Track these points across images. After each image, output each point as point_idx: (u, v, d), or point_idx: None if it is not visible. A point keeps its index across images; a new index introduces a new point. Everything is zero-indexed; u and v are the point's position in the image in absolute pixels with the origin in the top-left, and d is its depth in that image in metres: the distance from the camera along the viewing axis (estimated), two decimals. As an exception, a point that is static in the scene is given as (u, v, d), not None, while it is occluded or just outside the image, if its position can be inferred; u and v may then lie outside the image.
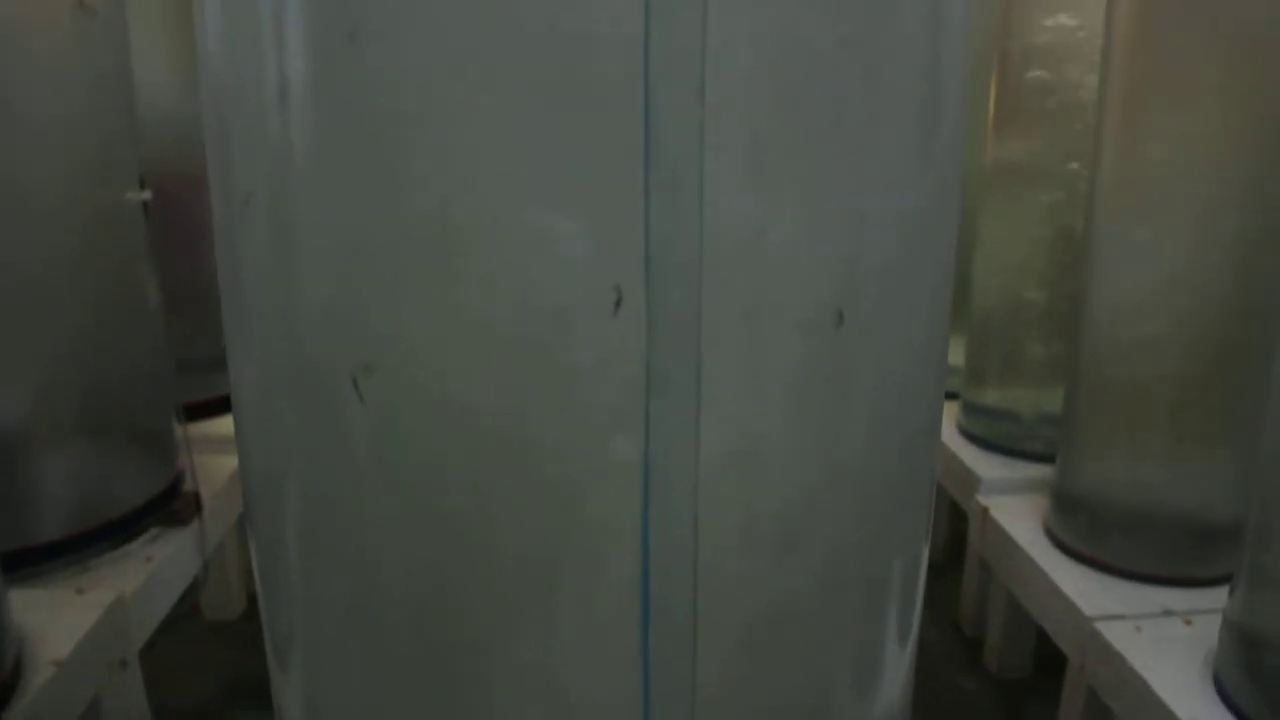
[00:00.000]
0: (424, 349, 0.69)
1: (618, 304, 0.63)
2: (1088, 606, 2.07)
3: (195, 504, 2.33)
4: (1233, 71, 1.95)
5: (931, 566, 0.96)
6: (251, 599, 2.84)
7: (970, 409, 2.97)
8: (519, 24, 0.60)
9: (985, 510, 2.60)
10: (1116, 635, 1.96)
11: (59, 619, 1.87)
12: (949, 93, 0.79)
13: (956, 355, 2.94)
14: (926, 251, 0.78)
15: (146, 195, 2.11)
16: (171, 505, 2.30)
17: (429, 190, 0.65)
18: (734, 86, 0.61)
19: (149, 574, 2.09)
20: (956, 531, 3.03)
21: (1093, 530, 2.25)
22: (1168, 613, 2.04)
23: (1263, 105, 1.93)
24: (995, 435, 2.88)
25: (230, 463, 2.60)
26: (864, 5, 0.68)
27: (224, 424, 2.72)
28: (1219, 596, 1.85)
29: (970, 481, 2.75)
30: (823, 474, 0.74)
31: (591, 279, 0.63)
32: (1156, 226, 2.05)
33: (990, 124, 2.72)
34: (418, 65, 0.63)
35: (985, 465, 2.79)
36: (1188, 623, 1.99)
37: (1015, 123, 2.65)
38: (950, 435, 2.97)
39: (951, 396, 2.95)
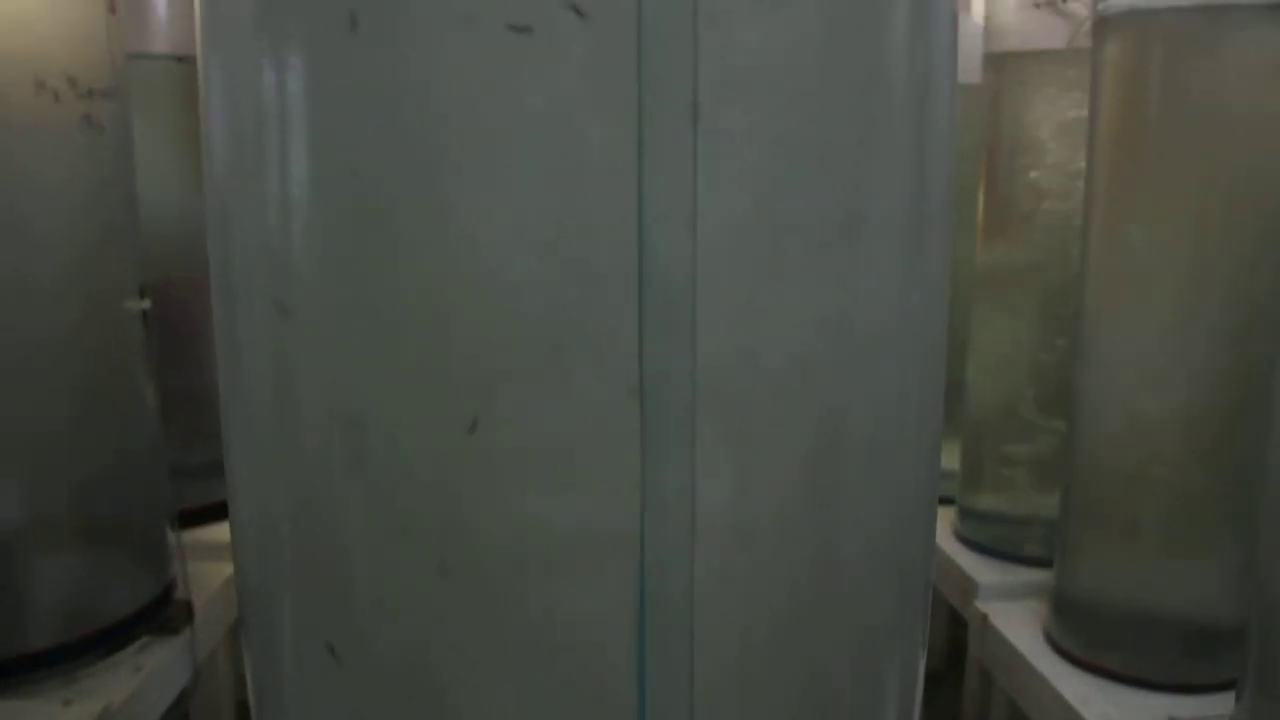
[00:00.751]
0: (428, 469, 0.70)
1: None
2: (1091, 714, 2.03)
3: (187, 612, 2.30)
4: (1216, 163, 2.00)
5: (931, 675, 0.96)
6: (241, 707, 2.79)
7: (966, 514, 2.96)
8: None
9: (984, 616, 2.57)
10: (1120, 744, 1.92)
11: (45, 732, 1.83)
12: (936, 208, 0.81)
13: (951, 459, 2.94)
14: (918, 362, 0.79)
15: (145, 304, 2.13)
16: (163, 614, 2.27)
17: (426, 316, 0.66)
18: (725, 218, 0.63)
19: (138, 684, 2.05)
20: (956, 638, 2.99)
21: (1093, 635, 2.22)
22: (1172, 720, 2.00)
23: (1248, 195, 1.97)
24: (993, 540, 2.86)
25: (222, 570, 2.57)
26: (850, 122, 0.70)
27: (218, 531, 2.70)
28: (1225, 702, 1.82)
29: (968, 587, 2.72)
30: (815, 588, 0.74)
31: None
32: (1144, 320, 2.08)
33: (980, 224, 2.76)
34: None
35: (983, 571, 2.77)
36: (1193, 731, 1.96)
37: (1005, 224, 2.69)
38: (947, 540, 2.95)
39: (947, 501, 2.94)
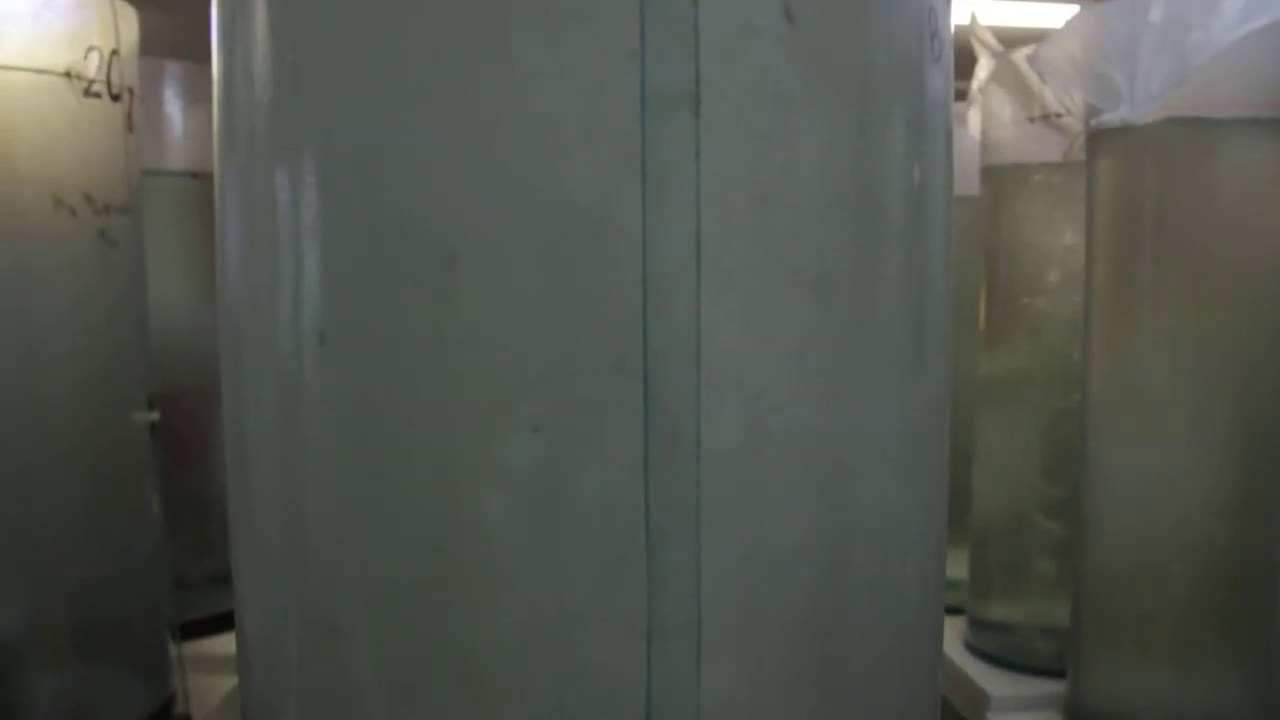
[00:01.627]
0: (433, 594, 0.70)
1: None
2: (1108, 833, 1.98)
3: (186, 727, 2.27)
4: (1213, 273, 2.02)
5: (942, 792, 0.94)
6: (238, 828, 2.72)
7: (976, 624, 2.91)
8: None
9: (997, 729, 2.52)
10: None
11: None
12: (936, 328, 0.82)
13: (960, 569, 2.91)
14: (921, 486, 0.80)
15: (154, 416, 2.15)
16: (162, 728, 2.24)
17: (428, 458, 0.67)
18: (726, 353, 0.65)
19: (134, 803, 2.01)
20: (969, 752, 2.93)
21: (1108, 749, 2.18)
22: (1192, 839, 1.95)
23: (1248, 305, 1.98)
24: (1003, 650, 2.81)
25: (224, 683, 2.54)
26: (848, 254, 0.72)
27: (220, 643, 2.67)
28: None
29: (979, 700, 2.67)
30: (821, 710, 0.74)
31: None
32: (1149, 434, 2.07)
33: (981, 334, 2.78)
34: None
35: (994, 682, 2.72)
36: None
37: (1006, 333, 2.71)
38: (957, 651, 2.91)
39: (957, 611, 2.90)
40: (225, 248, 0.83)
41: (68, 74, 2.05)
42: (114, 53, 2.11)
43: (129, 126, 2.15)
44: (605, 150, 0.62)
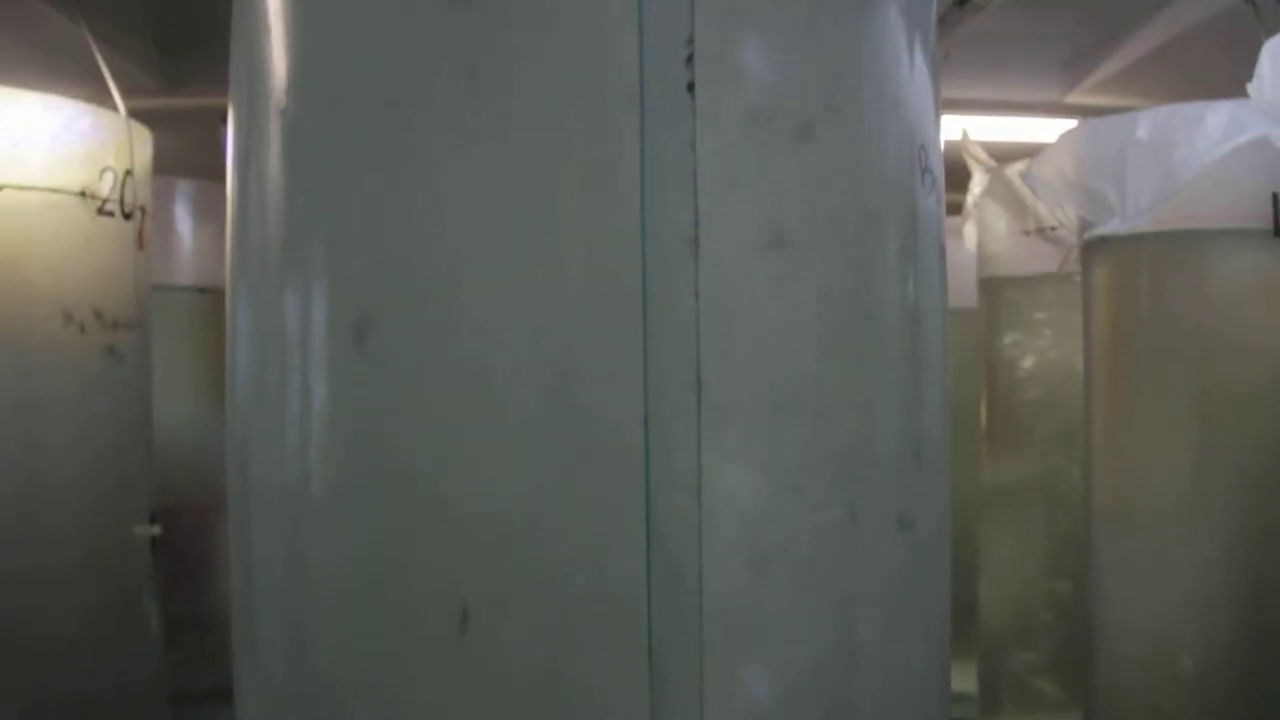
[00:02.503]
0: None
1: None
2: None
3: None
4: (1207, 378, 2.04)
5: None
6: None
7: (986, 737, 2.87)
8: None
9: (1010, 847, 2.46)
10: None
11: None
12: (933, 449, 0.83)
13: (969, 681, 2.87)
14: (921, 609, 0.80)
15: (156, 530, 2.14)
16: None
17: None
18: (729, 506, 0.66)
19: None
20: None
21: None
22: None
23: (1241, 407, 2.00)
24: (1014, 764, 2.77)
25: (219, 802, 2.48)
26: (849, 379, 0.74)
27: (216, 759, 2.63)
28: None
29: (992, 815, 2.62)
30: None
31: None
32: (1151, 534, 2.08)
33: (982, 443, 2.79)
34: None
35: (1006, 797, 2.66)
36: None
37: (1007, 441, 2.72)
38: (969, 766, 2.85)
39: (967, 725, 2.86)
40: (235, 364, 0.85)
41: (82, 193, 2.10)
42: (128, 173, 2.16)
43: (140, 244, 2.19)
44: (608, 290, 0.64)
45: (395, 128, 0.71)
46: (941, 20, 2.62)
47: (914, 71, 0.80)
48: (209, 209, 2.78)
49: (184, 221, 2.79)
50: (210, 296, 2.72)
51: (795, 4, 0.69)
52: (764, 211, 0.69)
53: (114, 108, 2.15)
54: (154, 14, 3.03)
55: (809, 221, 0.72)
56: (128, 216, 2.17)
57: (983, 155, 2.66)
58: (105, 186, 2.12)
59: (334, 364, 0.75)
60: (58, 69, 2.96)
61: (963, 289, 2.92)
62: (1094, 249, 2.23)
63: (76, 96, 2.46)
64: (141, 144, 2.25)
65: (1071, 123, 3.11)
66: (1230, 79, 2.05)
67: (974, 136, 2.72)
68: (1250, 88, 2.04)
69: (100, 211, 2.12)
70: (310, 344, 0.76)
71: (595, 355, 0.65)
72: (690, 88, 0.65)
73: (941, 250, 0.87)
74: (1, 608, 1.96)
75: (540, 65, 0.66)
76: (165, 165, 2.48)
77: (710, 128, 0.65)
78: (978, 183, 2.69)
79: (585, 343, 0.65)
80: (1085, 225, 2.18)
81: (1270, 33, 2.23)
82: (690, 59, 0.65)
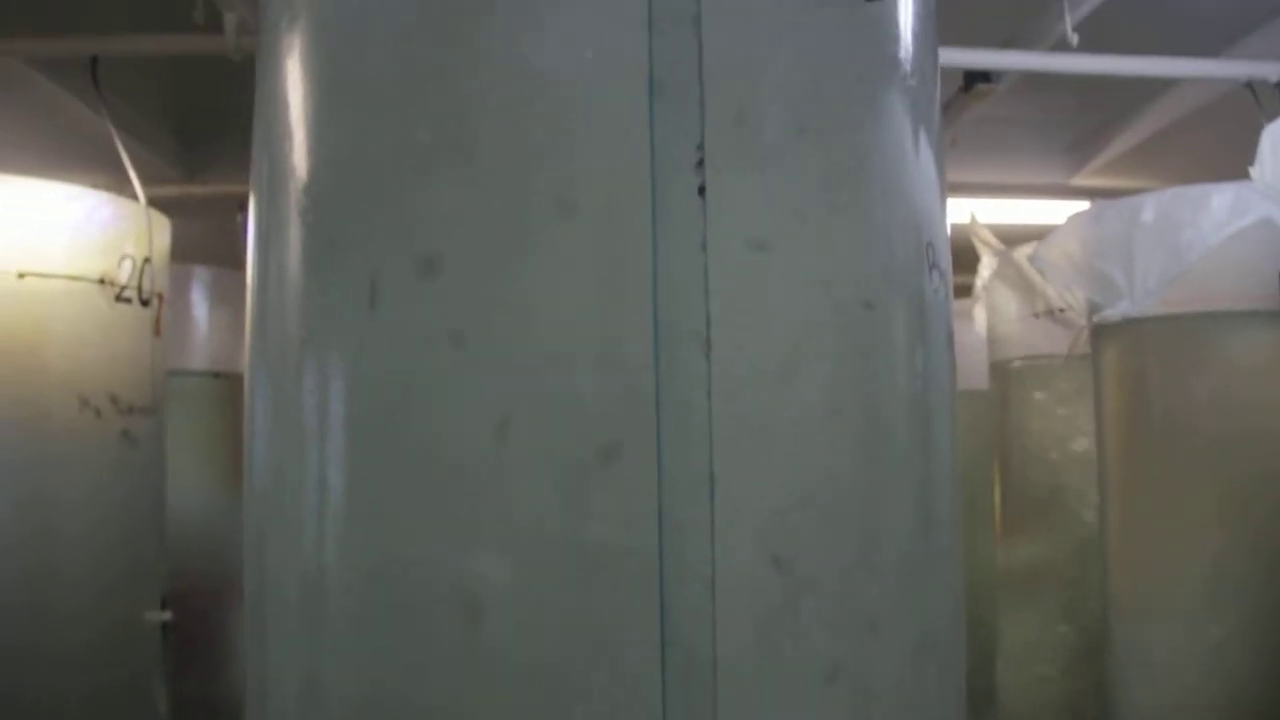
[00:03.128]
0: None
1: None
2: None
3: None
4: (1217, 458, 2.04)
5: None
6: None
7: (1007, 826, 2.81)
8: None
9: None
10: None
11: None
12: (943, 536, 0.83)
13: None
14: (934, 699, 0.80)
15: (166, 616, 2.14)
16: None
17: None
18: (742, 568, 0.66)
19: None
20: None
21: None
22: None
23: (1253, 486, 2.00)
24: None
25: None
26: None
27: None
28: None
29: None
30: None
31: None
32: (1170, 610, 2.06)
33: (997, 528, 2.77)
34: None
35: None
36: None
37: (1022, 523, 2.70)
38: None
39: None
40: (253, 453, 0.85)
41: (101, 280, 2.14)
42: (146, 260, 2.20)
43: (156, 330, 2.22)
44: (620, 387, 0.65)
45: (413, 223, 0.73)
46: (947, 107, 2.67)
47: (920, 168, 0.82)
48: (224, 295, 2.82)
49: (200, 307, 2.83)
50: (225, 381, 2.74)
51: (803, 107, 0.71)
52: (774, 308, 0.70)
53: (134, 195, 2.19)
54: (174, 104, 3.10)
55: (819, 317, 0.73)
56: (145, 303, 2.20)
57: (991, 239, 2.68)
58: (124, 274, 2.15)
59: (351, 456, 0.76)
60: (80, 156, 3.02)
61: (974, 371, 2.93)
62: (1104, 332, 2.24)
63: (97, 182, 2.51)
64: (160, 232, 2.29)
65: (1078, 205, 3.15)
66: (1232, 160, 2.08)
67: (982, 219, 2.75)
68: (1252, 171, 2.07)
69: (118, 298, 2.15)
70: (328, 435, 0.77)
71: (609, 451, 0.66)
72: (701, 190, 0.67)
73: (950, 344, 0.88)
74: (12, 690, 1.95)
75: (555, 167, 0.68)
76: (182, 252, 2.52)
77: (721, 229, 0.67)
78: (987, 266, 2.71)
79: (599, 437, 0.66)
80: (1094, 308, 2.20)
81: (1269, 116, 2.27)
82: (701, 163, 0.67)
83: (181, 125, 3.17)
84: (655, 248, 0.66)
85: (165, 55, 2.59)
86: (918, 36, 0.82)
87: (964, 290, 2.92)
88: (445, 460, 0.68)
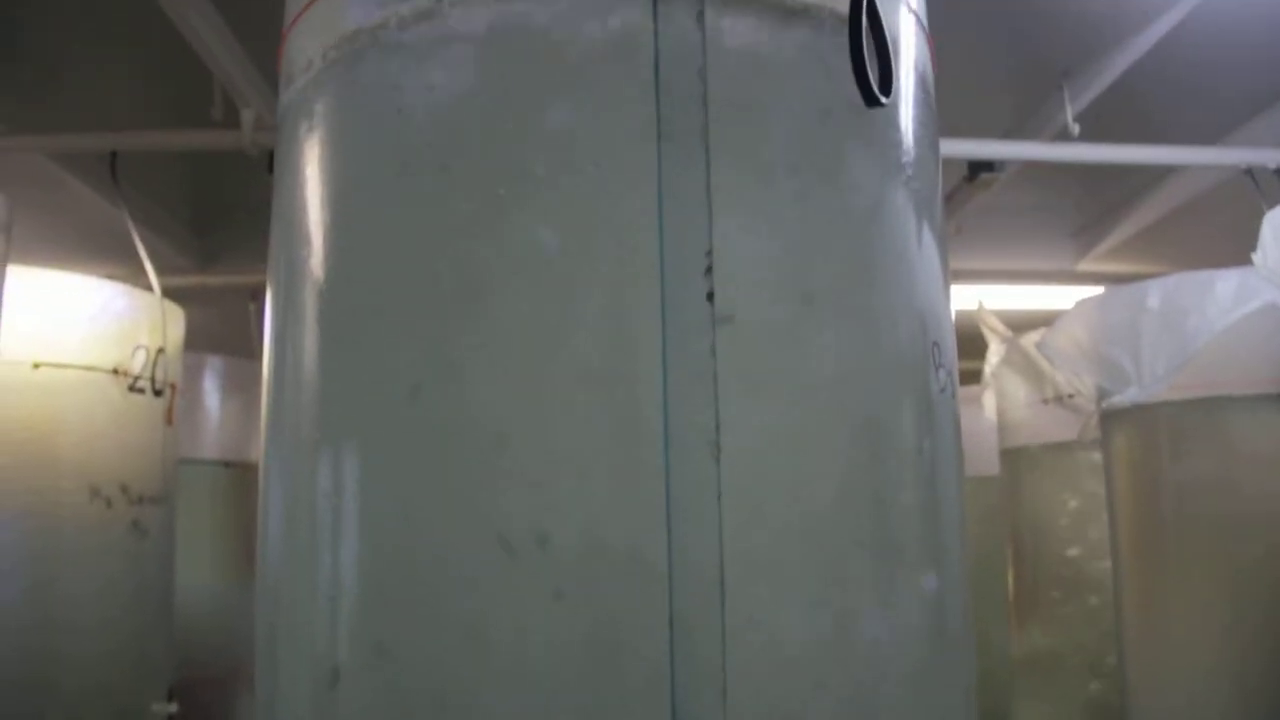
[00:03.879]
0: None
1: None
2: None
3: None
4: (1230, 540, 2.04)
5: None
6: None
7: None
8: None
9: None
10: None
11: None
12: (957, 637, 0.83)
13: None
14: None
15: (173, 708, 2.12)
16: None
17: None
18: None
19: None
20: None
21: None
22: None
23: (1265, 567, 1.99)
24: None
25: None
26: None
27: None
28: None
29: None
30: None
31: None
32: (1186, 690, 2.04)
33: (1011, 611, 2.75)
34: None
35: None
36: None
37: (1035, 610, 2.68)
38: None
39: None
40: (267, 535, 0.86)
41: (115, 371, 2.16)
42: (160, 351, 2.22)
43: (169, 420, 2.23)
44: (632, 491, 0.66)
45: (431, 322, 0.74)
46: (952, 196, 2.71)
47: (924, 267, 0.83)
48: (236, 385, 2.84)
49: (212, 396, 2.84)
50: (235, 471, 2.75)
51: (807, 218, 0.72)
52: (782, 410, 0.71)
53: (148, 286, 2.22)
54: (189, 194, 3.16)
55: (826, 419, 0.74)
56: (158, 393, 2.22)
57: (999, 325, 2.70)
58: (137, 364, 2.17)
59: (365, 556, 0.76)
60: (96, 245, 3.07)
61: (984, 457, 2.93)
62: (1113, 417, 2.25)
63: (113, 272, 2.54)
64: (174, 322, 2.31)
65: (1084, 289, 3.17)
66: (1237, 244, 2.10)
67: (989, 305, 2.77)
68: (1255, 257, 2.08)
69: (131, 389, 2.16)
70: (342, 533, 0.78)
71: (620, 554, 0.66)
72: (710, 296, 0.68)
73: (958, 441, 0.88)
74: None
75: (567, 271, 0.69)
76: (194, 340, 2.54)
77: (729, 333, 0.68)
78: (995, 352, 2.72)
79: (608, 539, 0.66)
80: (1103, 393, 2.20)
81: (1269, 201, 2.30)
82: (709, 270, 0.68)
83: (195, 215, 3.22)
84: (665, 353, 0.67)
85: (184, 150, 2.64)
86: (919, 141, 0.83)
87: (973, 376, 2.93)
88: (457, 565, 0.69)
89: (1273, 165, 2.47)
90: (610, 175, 0.69)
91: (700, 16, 0.72)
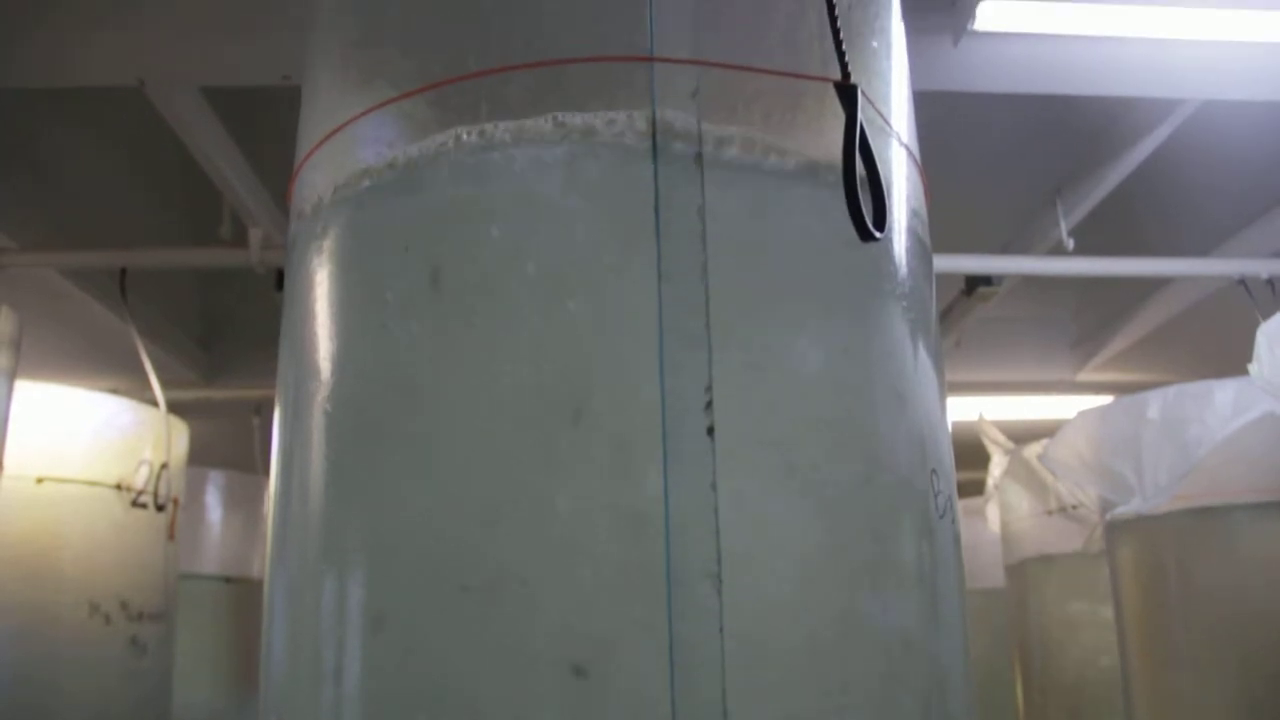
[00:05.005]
0: None
1: None
2: None
3: None
4: (1239, 648, 2.02)
5: None
6: None
7: None
8: None
9: None
10: None
11: None
12: None
13: None
14: None
15: (169, 834, 2.08)
16: None
17: None
18: None
19: None
20: None
21: None
22: None
23: (1273, 674, 1.97)
24: None
25: None
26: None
27: None
28: None
29: None
30: None
31: None
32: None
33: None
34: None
35: None
36: None
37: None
38: None
39: None
40: (271, 656, 0.85)
41: (118, 486, 2.17)
42: (164, 465, 2.23)
43: (170, 535, 2.23)
44: (631, 623, 0.66)
45: (434, 455, 0.75)
46: (950, 309, 2.75)
47: (922, 394, 0.84)
48: (238, 500, 2.84)
49: (214, 511, 2.84)
50: (236, 586, 2.73)
51: (806, 352, 0.74)
52: (783, 544, 0.71)
53: (153, 398, 2.23)
54: (195, 309, 3.20)
55: (828, 550, 0.74)
56: (160, 508, 2.22)
57: (1000, 437, 2.71)
58: (140, 479, 2.18)
59: (367, 658, 0.76)
60: (103, 358, 3.10)
61: (988, 569, 2.92)
62: (1117, 528, 2.25)
63: (117, 385, 2.56)
64: (178, 437, 2.32)
65: (1084, 399, 3.19)
66: (1235, 349, 2.12)
67: (991, 416, 2.78)
68: (1251, 369, 2.10)
69: (134, 504, 2.17)
70: (345, 637, 0.78)
71: (620, 688, 0.66)
72: (710, 431, 0.69)
73: (959, 564, 0.89)
74: None
75: (569, 411, 0.71)
76: (197, 454, 2.55)
77: (729, 468, 0.69)
78: (997, 464, 2.73)
79: (609, 669, 0.66)
80: (1106, 505, 2.20)
81: (1263, 311, 2.33)
82: (709, 405, 0.69)
83: (202, 328, 3.26)
84: (667, 488, 0.68)
85: (193, 268, 2.69)
86: (914, 272, 0.85)
87: (976, 488, 2.93)
88: (462, 695, 0.69)
89: (1265, 275, 2.51)
90: (611, 312, 0.71)
91: (698, 158, 0.74)
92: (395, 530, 0.76)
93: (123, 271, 2.29)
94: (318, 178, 0.88)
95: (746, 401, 0.72)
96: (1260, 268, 2.52)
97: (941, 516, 0.83)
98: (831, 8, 0.80)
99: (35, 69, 1.85)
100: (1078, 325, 3.38)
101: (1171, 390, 2.17)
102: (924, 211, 0.94)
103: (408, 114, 0.82)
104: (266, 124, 1.99)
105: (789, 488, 0.72)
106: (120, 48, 1.81)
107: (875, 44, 0.90)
